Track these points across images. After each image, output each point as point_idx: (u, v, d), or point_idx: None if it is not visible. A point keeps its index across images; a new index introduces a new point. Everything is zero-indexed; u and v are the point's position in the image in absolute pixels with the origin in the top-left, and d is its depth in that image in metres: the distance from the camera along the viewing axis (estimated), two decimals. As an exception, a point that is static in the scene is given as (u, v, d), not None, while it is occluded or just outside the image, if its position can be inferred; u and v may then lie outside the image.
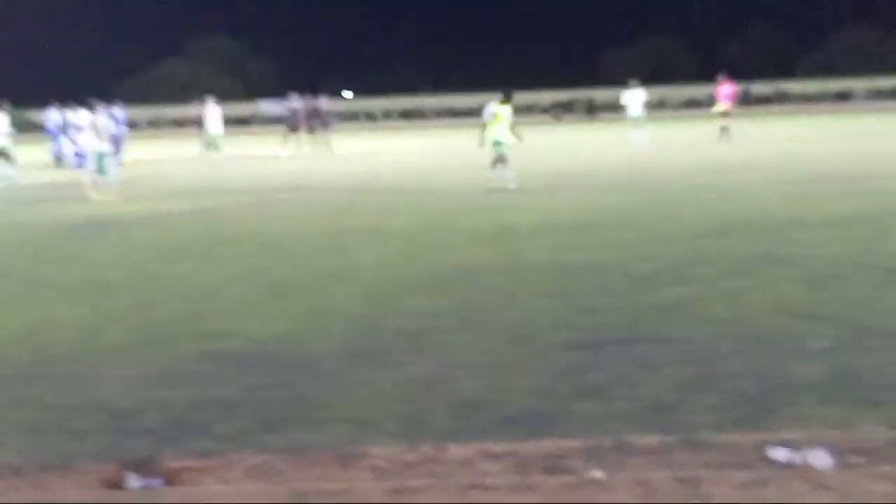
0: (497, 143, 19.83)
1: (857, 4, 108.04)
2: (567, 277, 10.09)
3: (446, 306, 8.95)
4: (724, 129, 33.02)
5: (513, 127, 20.11)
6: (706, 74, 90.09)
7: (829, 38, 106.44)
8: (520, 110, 79.66)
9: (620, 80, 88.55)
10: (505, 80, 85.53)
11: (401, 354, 7.35)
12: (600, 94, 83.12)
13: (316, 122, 36.98)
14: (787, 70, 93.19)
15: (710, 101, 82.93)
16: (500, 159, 19.76)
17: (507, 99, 20.22)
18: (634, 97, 35.45)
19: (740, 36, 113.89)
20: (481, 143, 20.30)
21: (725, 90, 34.02)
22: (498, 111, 19.99)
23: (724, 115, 33.54)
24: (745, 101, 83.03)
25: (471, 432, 5.54)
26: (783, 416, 5.61)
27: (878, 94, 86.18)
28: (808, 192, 16.74)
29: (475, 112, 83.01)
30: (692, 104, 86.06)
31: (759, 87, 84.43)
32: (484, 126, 20.22)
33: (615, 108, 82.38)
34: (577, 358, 7.04)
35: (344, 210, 17.27)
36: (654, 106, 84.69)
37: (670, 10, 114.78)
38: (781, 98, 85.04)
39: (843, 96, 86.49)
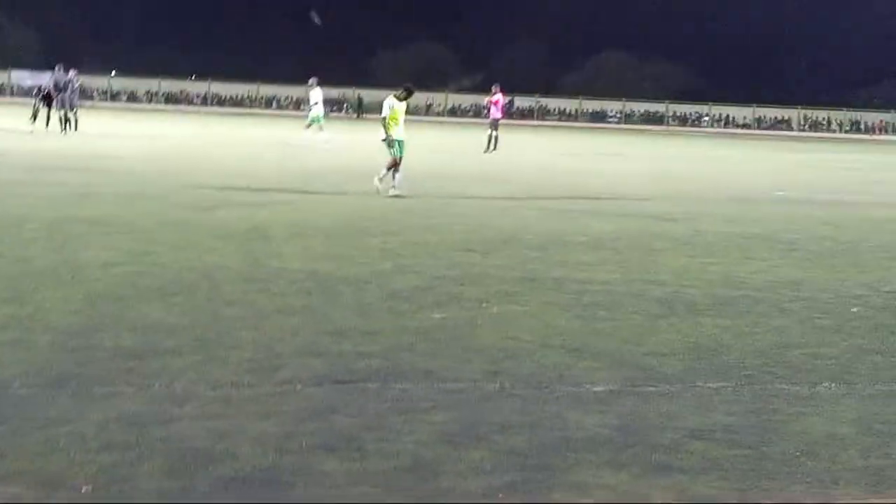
0: (396, 144, 17.59)
1: (616, 31, 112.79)
2: (320, 291, 9.02)
3: (178, 320, 7.70)
4: (492, 139, 32.95)
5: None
6: (473, 84, 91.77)
7: (589, 59, 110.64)
8: (287, 104, 77.35)
9: (388, 83, 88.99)
10: (274, 73, 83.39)
11: (114, 382, 6.07)
12: (367, 94, 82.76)
13: (64, 96, 34.26)
14: (548, 87, 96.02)
15: (476, 110, 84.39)
16: (395, 162, 17.54)
17: (407, 94, 18.02)
18: (316, 96, 33.62)
19: (507, 50, 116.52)
20: (388, 140, 17.69)
21: (497, 101, 33.89)
22: (396, 106, 17.74)
23: (494, 125, 33.43)
24: (508, 113, 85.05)
25: (187, 498, 4.40)
26: (562, 484, 4.78)
27: (629, 117, 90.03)
28: (570, 210, 16.43)
29: (240, 102, 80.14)
30: (457, 111, 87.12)
31: (522, 101, 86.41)
32: (384, 121, 17.76)
33: (378, 108, 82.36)
34: (324, 396, 5.99)
35: (75, 196, 15.52)
36: (422, 112, 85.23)
37: (443, 18, 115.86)
38: (542, 113, 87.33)
39: (598, 116, 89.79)
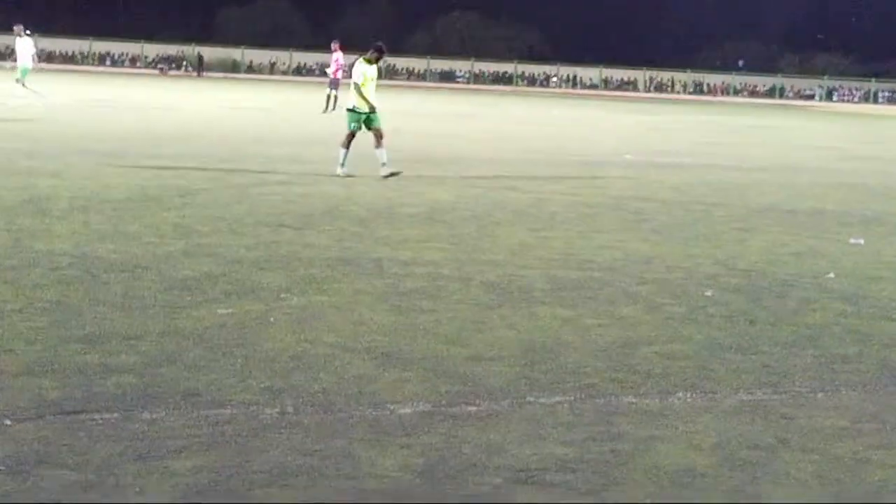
0: (361, 114, 15.10)
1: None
2: (84, 281, 7.43)
3: None
4: (330, 99, 31.31)
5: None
6: (320, 42, 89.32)
7: (437, 17, 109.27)
8: (122, 61, 73.76)
9: (235, 40, 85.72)
10: (114, 31, 79.21)
11: None
12: (211, 52, 79.68)
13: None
14: (396, 46, 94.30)
15: (321, 69, 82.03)
16: (376, 134, 15.03)
17: (378, 55, 15.50)
18: (24, 46, 30.14)
19: (356, 8, 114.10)
20: (372, 108, 15.08)
21: (338, 60, 32.11)
22: (367, 72, 15.21)
23: (333, 84, 31.72)
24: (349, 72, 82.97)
25: None
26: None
27: (478, 77, 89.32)
28: (404, 176, 15.05)
29: (70, 58, 75.81)
30: (302, 70, 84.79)
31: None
32: (357, 89, 15.10)
33: (224, 66, 79.44)
34: (38, 436, 4.51)
35: None
36: (266, 71, 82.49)
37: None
38: (390, 73, 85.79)
39: (447, 76, 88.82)
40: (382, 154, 14.88)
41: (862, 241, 10.97)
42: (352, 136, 15.06)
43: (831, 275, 9.01)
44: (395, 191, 13.53)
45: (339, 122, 26.90)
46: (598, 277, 8.49)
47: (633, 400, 5.48)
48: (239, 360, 5.78)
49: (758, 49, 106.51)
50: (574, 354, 6.26)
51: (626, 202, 13.48)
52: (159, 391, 5.20)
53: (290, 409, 5.05)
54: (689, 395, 5.61)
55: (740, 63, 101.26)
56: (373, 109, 15.02)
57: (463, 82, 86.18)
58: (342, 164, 14.91)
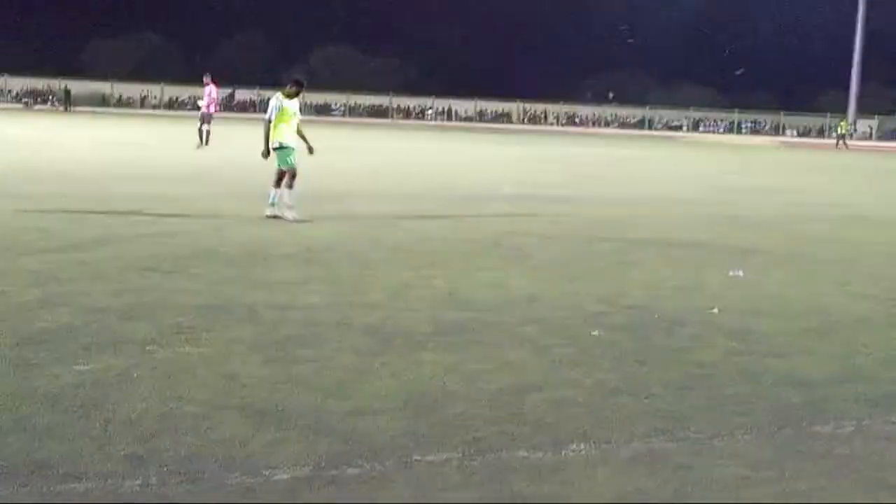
0: (285, 150, 14.21)
1: (340, 23, 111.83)
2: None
3: None
4: (203, 133, 30.57)
5: (300, 128, 14.50)
6: (194, 74, 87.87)
7: (312, 51, 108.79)
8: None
9: (104, 73, 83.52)
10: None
11: None
12: (79, 86, 77.59)
13: None
14: (271, 79, 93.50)
15: (193, 102, 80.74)
16: (289, 174, 14.11)
17: (297, 88, 14.49)
18: None
19: (230, 41, 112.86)
20: (265, 153, 14.33)
21: (210, 93, 31.33)
22: (285, 105, 14.24)
23: (206, 118, 30.94)
24: (228, 106, 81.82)
25: None
26: None
27: (353, 110, 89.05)
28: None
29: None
30: (175, 104, 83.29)
31: (243, 94, 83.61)
32: (268, 125, 14.18)
33: (93, 100, 77.37)
34: None
35: None
36: (136, 104, 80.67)
37: (159, 6, 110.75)
38: (262, 106, 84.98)
39: (322, 109, 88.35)
40: (286, 194, 14.14)
41: (741, 273, 10.98)
42: (282, 174, 14.20)
43: (715, 310, 8.93)
44: (269, 229, 13.07)
45: (212, 157, 26.38)
46: (482, 318, 8.20)
47: (526, 454, 5.18)
48: (97, 425, 5.29)
49: (627, 81, 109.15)
50: (461, 404, 5.94)
51: (507, 237, 13.28)
52: (4, 465, 4.67)
53: (153, 480, 4.59)
54: (583, 445, 5.34)
55: (610, 95, 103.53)
56: (266, 152, 14.36)
57: (338, 115, 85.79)
58: (290, 207, 14.00)
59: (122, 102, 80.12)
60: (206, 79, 31.32)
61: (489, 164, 31.91)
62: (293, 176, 14.10)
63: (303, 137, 14.46)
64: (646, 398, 6.22)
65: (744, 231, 15.48)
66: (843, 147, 62.56)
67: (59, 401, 5.63)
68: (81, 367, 6.28)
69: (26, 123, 42.71)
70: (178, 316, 7.76)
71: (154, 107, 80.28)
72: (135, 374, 6.19)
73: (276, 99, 14.38)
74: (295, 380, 6.26)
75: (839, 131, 66.95)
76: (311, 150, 14.53)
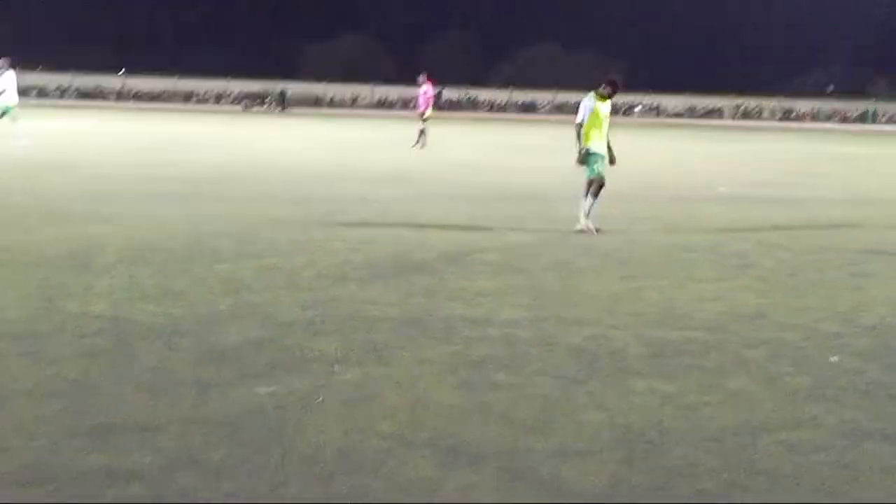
0: (592, 157, 13.07)
1: (544, 21, 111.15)
2: (111, 352, 6.50)
3: None
4: (422, 133, 30.35)
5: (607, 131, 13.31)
6: (402, 76, 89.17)
7: (518, 50, 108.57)
8: (208, 99, 73.90)
9: (318, 76, 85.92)
10: (194, 66, 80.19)
11: None
12: (295, 88, 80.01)
13: None
14: (478, 78, 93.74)
15: (403, 103, 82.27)
16: (597, 183, 12.99)
17: (612, 90, 13.25)
18: (6, 81, 25.69)
19: (436, 41, 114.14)
20: (581, 159, 13.13)
21: (427, 92, 31.00)
22: (598, 108, 13.05)
23: (424, 118, 30.69)
24: (436, 105, 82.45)
25: None
26: None
27: (561, 108, 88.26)
28: (483, 216, 14.03)
29: (157, 96, 75.98)
30: (385, 104, 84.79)
31: (450, 93, 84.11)
32: (580, 130, 13.03)
33: (308, 102, 79.70)
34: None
35: None
36: (347, 104, 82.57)
37: (367, 9, 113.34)
38: (472, 105, 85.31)
39: (528, 107, 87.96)
40: (586, 204, 12.96)
41: None
42: (590, 183, 12.95)
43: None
44: (470, 234, 12.50)
45: (424, 157, 26.16)
46: (701, 339, 7.32)
47: (761, 514, 4.34)
48: (273, 460, 4.79)
49: (846, 72, 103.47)
50: (680, 447, 5.13)
51: (725, 243, 12.23)
52: (170, 506, 4.22)
53: (327, 533, 4.03)
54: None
55: (830, 88, 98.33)
56: (586, 154, 13.02)
57: (544, 113, 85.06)
58: (587, 215, 12.92)
59: (334, 103, 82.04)
60: (422, 78, 30.89)
61: (700, 161, 30.42)
62: (601, 186, 12.92)
63: (608, 146, 13.18)
64: (904, 446, 5.23)
65: None
66: None
67: (236, 429, 5.17)
68: (263, 390, 5.82)
69: (241, 124, 44.01)
70: (370, 331, 7.25)
71: (365, 107, 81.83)
72: (319, 399, 5.68)
73: (589, 100, 13.08)
74: (490, 409, 5.60)
75: None
76: (612, 161, 13.25)
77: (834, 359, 6.87)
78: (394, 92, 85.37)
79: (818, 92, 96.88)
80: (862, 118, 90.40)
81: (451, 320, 7.64)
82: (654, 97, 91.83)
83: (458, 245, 11.35)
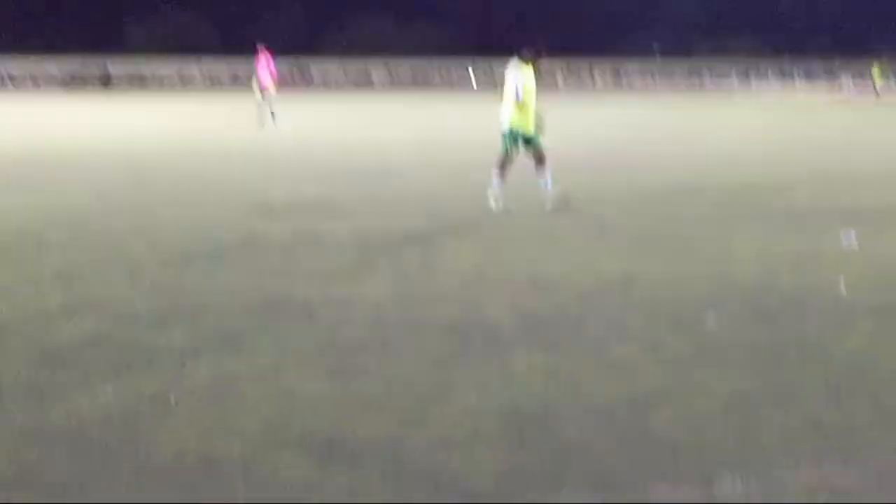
0: (519, 135, 11.66)
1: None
2: (-72, 361, 5.76)
3: None
4: (262, 109, 28.87)
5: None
6: (229, 50, 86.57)
7: (348, 21, 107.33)
8: (24, 80, 69.55)
9: (143, 50, 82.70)
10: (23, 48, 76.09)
11: None
12: (118, 65, 76.90)
13: None
14: (310, 50, 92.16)
15: (232, 80, 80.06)
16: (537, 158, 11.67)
17: (536, 55, 11.68)
18: None
19: (266, 13, 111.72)
20: (540, 128, 11.69)
21: (266, 65, 29.45)
22: (526, 77, 11.57)
23: (264, 92, 29.16)
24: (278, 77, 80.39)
25: None
26: None
27: (395, 81, 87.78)
28: (330, 186, 13.48)
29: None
30: (214, 81, 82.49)
31: (281, 65, 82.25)
32: (519, 103, 11.50)
33: (134, 79, 76.78)
34: None
35: None
36: (176, 83, 79.99)
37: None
38: (305, 79, 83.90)
39: (362, 80, 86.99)
40: (547, 180, 11.71)
41: (854, 239, 9.68)
42: (505, 160, 11.70)
43: (842, 286, 7.68)
44: (320, 212, 11.92)
45: (264, 134, 25.14)
46: (574, 308, 7.02)
47: (673, 496, 4.03)
48: (125, 473, 4.20)
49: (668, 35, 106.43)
50: (570, 424, 4.80)
51: (583, 209, 12.00)
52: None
53: (196, 560, 3.49)
54: (739, 481, 4.16)
55: (655, 46, 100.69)
56: (538, 128, 11.68)
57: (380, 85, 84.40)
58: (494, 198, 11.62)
59: (161, 81, 79.25)
60: (261, 50, 29.12)
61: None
62: (542, 158, 11.65)
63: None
64: (800, 409, 5.02)
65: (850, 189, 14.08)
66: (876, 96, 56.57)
67: (79, 439, 4.56)
68: (105, 391, 5.18)
69: (62, 104, 41.90)
70: (224, 318, 6.66)
71: (194, 84, 79.36)
72: (172, 399, 5.09)
73: (514, 69, 11.63)
74: (364, 401, 5.13)
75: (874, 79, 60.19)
76: (540, 131, 11.80)
77: (710, 322, 6.66)
78: (224, 68, 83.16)
79: (646, 54, 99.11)
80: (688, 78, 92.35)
81: (310, 302, 7.10)
82: (487, 62, 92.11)
83: (311, 223, 10.76)
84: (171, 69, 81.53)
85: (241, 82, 70.85)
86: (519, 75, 11.55)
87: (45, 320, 6.57)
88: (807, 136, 25.84)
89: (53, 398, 5.09)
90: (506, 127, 11.72)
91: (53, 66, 71.58)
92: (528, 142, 11.66)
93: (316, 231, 10.15)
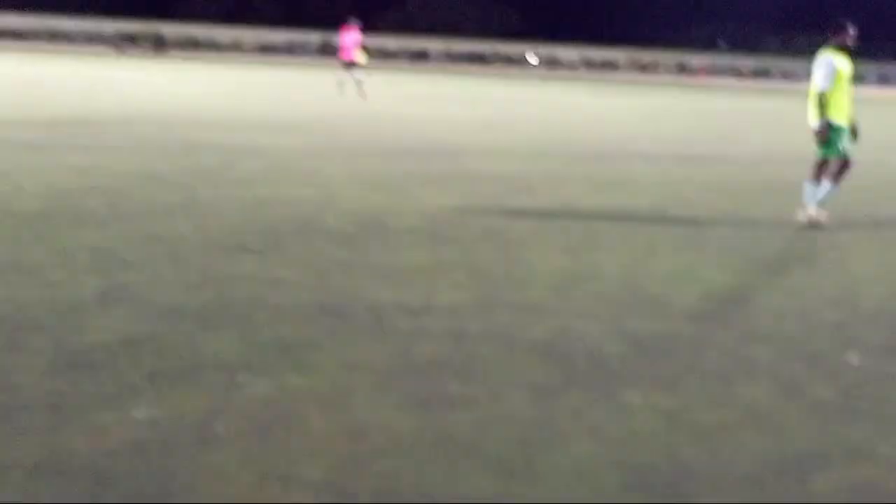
0: (835, 132, 9.99)
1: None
2: (-65, 358, 4.89)
3: None
4: (346, 82, 28.57)
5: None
6: (289, 20, 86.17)
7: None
8: (80, 37, 70.19)
9: (198, 16, 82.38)
10: (71, 9, 75.86)
11: None
12: (171, 30, 76.58)
13: None
14: (368, 25, 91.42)
15: (289, 48, 79.67)
16: (838, 166, 10.15)
17: (848, 38, 10.06)
18: None
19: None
20: (823, 134, 9.94)
21: (352, 38, 29.35)
22: (840, 67, 9.96)
23: (349, 65, 28.97)
24: (324, 51, 79.84)
25: None
26: None
27: (454, 57, 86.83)
28: (395, 172, 12.56)
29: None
30: (270, 49, 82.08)
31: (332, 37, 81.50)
32: (822, 98, 9.89)
33: (187, 44, 76.44)
34: None
35: None
36: (230, 47, 79.68)
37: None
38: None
39: (420, 55, 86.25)
40: (821, 191, 10.14)
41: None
42: (824, 163, 10.15)
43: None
44: (383, 192, 11.00)
45: (321, 107, 24.31)
46: (687, 331, 6.02)
47: None
48: (154, 533, 3.28)
49: (736, 28, 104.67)
50: (710, 490, 3.81)
51: (671, 208, 10.98)
52: None
53: None
54: None
55: (720, 43, 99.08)
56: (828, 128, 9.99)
57: (436, 62, 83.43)
58: (814, 202, 10.13)
59: (215, 46, 78.78)
60: (348, 24, 29.26)
61: (610, 115, 29.32)
62: (845, 167, 10.11)
63: (821, 114, 9.99)
64: None
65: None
66: None
67: (101, 480, 3.64)
68: (141, 415, 4.28)
69: (114, 67, 41.34)
70: (278, 322, 5.73)
71: (249, 51, 78.82)
72: (218, 428, 4.17)
73: (825, 57, 10.00)
74: (449, 441, 4.18)
75: None
76: (856, 134, 10.23)
77: (853, 359, 5.63)
78: (279, 36, 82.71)
79: (711, 46, 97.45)
80: (756, 73, 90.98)
81: (379, 308, 6.16)
82: (550, 47, 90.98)
83: (371, 208, 9.83)
84: (226, 36, 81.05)
85: (298, 52, 70.06)
86: (832, 62, 9.92)
87: (76, 314, 5.68)
88: None
89: (75, 416, 4.19)
90: (821, 122, 9.97)
91: (110, 26, 71.28)
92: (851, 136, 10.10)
93: (381, 218, 9.20)
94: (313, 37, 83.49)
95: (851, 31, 10.06)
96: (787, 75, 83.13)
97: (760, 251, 8.66)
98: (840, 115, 9.93)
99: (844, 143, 10.02)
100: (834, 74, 9.84)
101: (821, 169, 10.09)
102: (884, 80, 78.21)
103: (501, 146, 16.96)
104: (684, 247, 8.70)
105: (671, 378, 5.11)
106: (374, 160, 13.94)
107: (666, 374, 5.17)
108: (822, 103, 9.85)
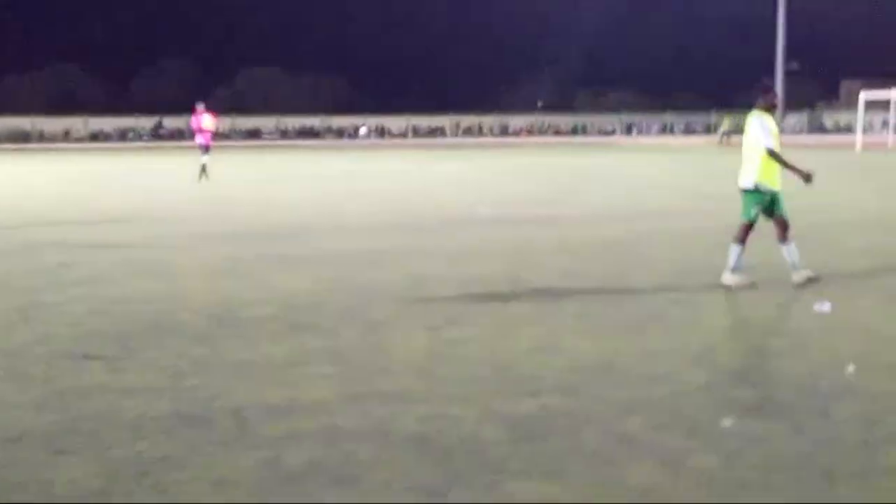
0: (759, 195, 9.98)
1: (262, 44, 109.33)
2: None
3: None
4: (207, 165, 28.08)
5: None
6: (116, 107, 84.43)
7: (237, 74, 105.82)
8: None
9: (24, 109, 79.73)
10: None
11: None
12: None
13: None
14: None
15: (120, 134, 78.08)
16: (779, 223, 9.99)
17: (773, 98, 10.16)
18: None
19: (151, 68, 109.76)
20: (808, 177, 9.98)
21: (205, 122, 28.90)
22: (773, 128, 9.96)
23: (205, 150, 28.48)
24: (156, 135, 78.54)
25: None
26: None
27: (285, 133, 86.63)
28: (242, 256, 12.20)
29: None
30: (99, 137, 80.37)
31: (172, 122, 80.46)
32: (774, 156, 9.81)
33: (14, 137, 73.88)
34: None
35: None
36: (59, 139, 77.45)
37: (72, 35, 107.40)
38: (191, 133, 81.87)
39: (253, 133, 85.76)
40: (792, 251, 10.07)
41: (828, 308, 8.83)
42: (749, 227, 10.08)
43: (851, 367, 6.75)
44: (232, 281, 10.63)
45: (177, 188, 23.55)
46: (561, 408, 5.91)
47: None
48: None
49: (553, 87, 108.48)
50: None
51: (525, 273, 10.99)
52: None
53: None
54: None
55: (539, 104, 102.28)
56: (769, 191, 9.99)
57: (270, 139, 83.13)
58: (732, 269, 10.06)
59: (44, 138, 76.50)
60: (200, 107, 28.69)
61: (446, 180, 29.52)
62: (785, 226, 10.00)
63: (789, 167, 9.87)
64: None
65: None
66: (726, 143, 59.50)
67: None
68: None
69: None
70: (134, 440, 5.33)
71: (77, 139, 76.81)
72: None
73: (758, 116, 10.00)
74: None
75: (722, 129, 66.15)
76: (808, 179, 10.11)
77: (727, 422, 5.60)
78: (108, 123, 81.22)
79: (530, 108, 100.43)
80: (573, 131, 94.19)
81: (242, 411, 5.83)
82: (379, 119, 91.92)
83: (227, 299, 9.46)
84: (55, 126, 78.72)
85: (129, 138, 68.47)
86: (763, 123, 9.92)
87: None
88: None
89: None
90: (750, 184, 10.00)
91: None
92: (774, 202, 10.05)
93: (235, 309, 8.85)
94: (143, 121, 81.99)
95: (777, 91, 10.23)
96: (601, 131, 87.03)
97: (614, 313, 8.70)
98: (772, 180, 9.94)
99: (763, 209, 10.00)
100: (771, 134, 9.92)
101: (746, 232, 10.06)
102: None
103: (344, 222, 16.79)
104: (543, 314, 8.66)
105: (555, 464, 4.96)
106: (222, 245, 13.55)
107: (549, 459, 5.02)
108: (778, 158, 9.82)
